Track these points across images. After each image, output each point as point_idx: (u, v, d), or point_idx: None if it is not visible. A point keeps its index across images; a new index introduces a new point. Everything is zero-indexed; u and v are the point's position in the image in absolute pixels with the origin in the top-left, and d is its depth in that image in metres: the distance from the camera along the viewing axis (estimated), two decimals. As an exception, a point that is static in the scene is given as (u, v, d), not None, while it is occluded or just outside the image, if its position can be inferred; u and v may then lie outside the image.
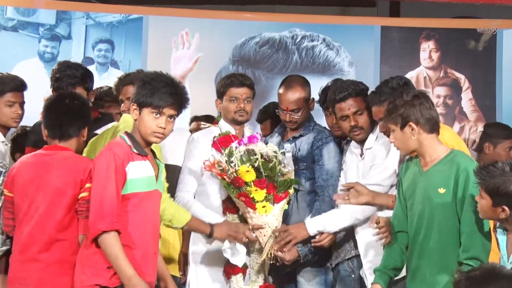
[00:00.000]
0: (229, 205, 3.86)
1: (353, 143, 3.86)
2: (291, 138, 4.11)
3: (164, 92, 3.12)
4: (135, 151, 3.11)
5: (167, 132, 3.18)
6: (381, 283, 3.45)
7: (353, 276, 3.89)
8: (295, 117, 4.02)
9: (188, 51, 5.54)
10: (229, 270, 3.86)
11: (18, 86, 3.84)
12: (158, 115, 3.12)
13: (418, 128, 3.29)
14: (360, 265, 3.88)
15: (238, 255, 3.84)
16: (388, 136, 3.60)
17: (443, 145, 3.39)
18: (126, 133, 3.17)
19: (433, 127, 3.33)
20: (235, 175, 3.73)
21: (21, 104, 3.85)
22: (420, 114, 3.29)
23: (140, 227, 3.13)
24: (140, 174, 3.12)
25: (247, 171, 3.74)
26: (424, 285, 3.28)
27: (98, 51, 5.46)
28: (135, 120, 3.15)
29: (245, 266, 3.83)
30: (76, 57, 5.35)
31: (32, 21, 5.42)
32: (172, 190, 3.74)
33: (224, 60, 5.55)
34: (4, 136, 3.87)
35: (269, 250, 3.81)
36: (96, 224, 2.99)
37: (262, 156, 3.80)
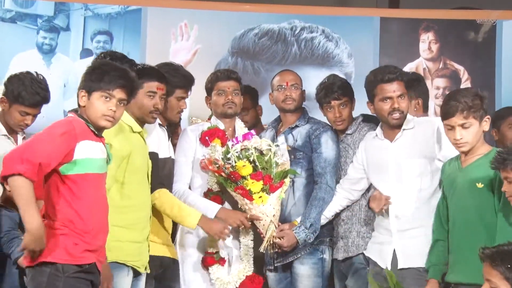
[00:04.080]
0: (208, 198, 3.97)
1: (378, 133, 3.92)
2: (287, 129, 4.17)
3: (113, 75, 3.14)
4: (92, 129, 3.12)
5: (117, 116, 3.19)
6: (437, 278, 3.58)
7: (368, 268, 3.94)
8: (294, 94, 4.12)
9: (187, 42, 5.52)
10: (204, 261, 3.94)
11: (39, 101, 3.89)
12: (108, 99, 3.14)
13: (490, 120, 3.44)
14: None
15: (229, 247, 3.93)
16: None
17: (485, 143, 3.51)
18: (77, 114, 3.16)
19: None
20: (232, 170, 3.80)
21: (35, 115, 3.92)
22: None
23: (101, 210, 3.15)
24: (95, 155, 3.11)
25: (244, 165, 3.82)
26: (462, 278, 3.35)
27: (97, 43, 5.44)
28: (83, 106, 3.15)
29: (218, 258, 3.89)
30: (75, 49, 5.35)
31: (30, 12, 5.40)
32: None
33: (223, 52, 5.54)
34: (8, 130, 3.93)
35: (269, 237, 3.88)
36: (13, 164, 2.91)
37: (256, 150, 3.88)
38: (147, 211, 3.65)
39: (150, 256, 3.71)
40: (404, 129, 3.84)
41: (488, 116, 3.47)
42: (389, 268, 3.75)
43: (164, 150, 3.90)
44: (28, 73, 3.96)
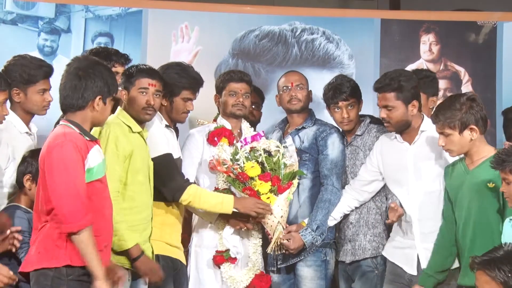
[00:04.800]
0: None
1: (397, 135, 3.95)
2: (294, 130, 4.18)
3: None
4: (87, 138, 3.12)
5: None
6: (424, 284, 3.64)
7: (376, 272, 3.96)
8: (299, 94, 4.14)
9: (188, 44, 5.51)
10: (214, 260, 3.95)
11: (48, 72, 3.79)
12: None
13: (477, 130, 3.44)
14: (383, 262, 3.94)
15: (234, 245, 3.93)
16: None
17: (488, 144, 3.56)
18: (69, 121, 3.14)
19: (486, 127, 3.52)
20: (240, 171, 3.82)
21: (50, 89, 3.81)
22: (479, 116, 3.46)
23: (104, 214, 3.15)
24: (97, 161, 3.11)
25: (252, 166, 3.83)
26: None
27: (98, 45, 5.43)
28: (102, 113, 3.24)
29: (227, 256, 3.90)
30: (76, 51, 5.34)
31: (31, 14, 5.39)
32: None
33: (223, 53, 5.53)
34: (27, 124, 3.83)
35: (277, 239, 3.90)
36: (76, 220, 2.94)
37: (265, 151, 3.89)
38: (148, 212, 3.64)
39: (168, 257, 3.76)
40: (422, 131, 3.87)
41: (472, 127, 3.48)
42: (417, 274, 3.78)
43: (174, 151, 3.90)
44: (16, 56, 3.88)
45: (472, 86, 5.54)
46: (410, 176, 3.87)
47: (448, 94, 5.48)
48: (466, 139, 3.49)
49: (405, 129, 3.88)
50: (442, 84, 5.56)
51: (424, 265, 3.77)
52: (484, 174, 3.45)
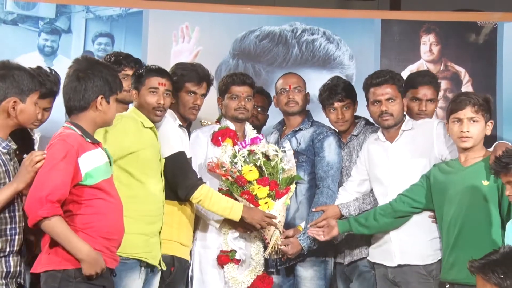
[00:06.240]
0: None
1: (380, 135, 3.98)
2: (291, 132, 4.18)
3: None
4: (89, 140, 3.11)
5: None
6: (340, 224, 3.82)
7: (373, 272, 3.97)
8: (297, 97, 4.15)
9: (188, 44, 5.52)
10: (219, 260, 3.93)
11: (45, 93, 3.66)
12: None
13: (491, 128, 3.53)
14: None
15: (241, 248, 3.92)
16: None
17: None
18: (72, 123, 3.15)
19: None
20: (238, 175, 3.81)
21: (45, 108, 3.75)
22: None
23: (112, 215, 3.14)
24: (98, 163, 3.11)
25: (250, 170, 3.83)
26: (463, 274, 3.28)
27: (98, 45, 5.44)
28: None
29: (233, 256, 3.90)
30: (76, 51, 5.34)
31: (32, 14, 5.40)
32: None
33: (224, 54, 5.53)
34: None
35: (274, 244, 3.89)
36: (35, 210, 2.93)
37: (263, 155, 3.88)
38: (157, 206, 3.66)
39: (182, 259, 3.80)
40: (403, 130, 3.92)
41: (492, 121, 3.55)
42: (395, 265, 3.82)
43: (187, 150, 3.92)
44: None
45: (472, 87, 5.54)
46: (390, 173, 3.92)
47: (449, 95, 5.49)
48: (484, 132, 3.56)
49: (396, 125, 3.93)
50: (443, 84, 5.56)
51: (399, 258, 3.83)
52: (480, 172, 3.49)
